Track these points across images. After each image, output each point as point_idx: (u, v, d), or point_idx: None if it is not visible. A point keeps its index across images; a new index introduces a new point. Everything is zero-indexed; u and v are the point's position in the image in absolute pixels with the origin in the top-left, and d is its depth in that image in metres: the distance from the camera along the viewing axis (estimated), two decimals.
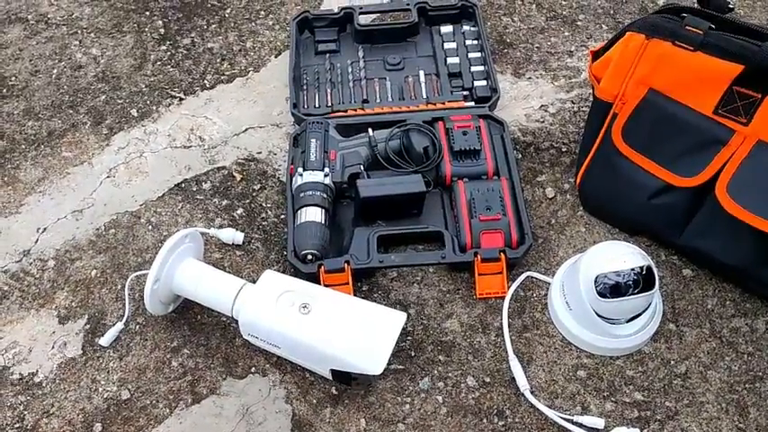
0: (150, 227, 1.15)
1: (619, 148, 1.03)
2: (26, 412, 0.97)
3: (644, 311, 0.98)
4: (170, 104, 1.31)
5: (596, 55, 1.05)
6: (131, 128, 1.28)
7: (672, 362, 0.99)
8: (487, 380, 0.98)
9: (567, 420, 0.93)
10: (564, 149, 1.22)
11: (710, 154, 0.95)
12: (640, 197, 1.03)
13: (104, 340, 1.02)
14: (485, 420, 0.95)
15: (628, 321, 0.98)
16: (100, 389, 0.99)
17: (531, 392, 0.96)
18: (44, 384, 1.00)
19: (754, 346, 1.00)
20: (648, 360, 1.00)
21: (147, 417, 0.97)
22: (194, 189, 1.20)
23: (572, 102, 1.29)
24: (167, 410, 0.97)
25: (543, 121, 1.26)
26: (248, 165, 1.22)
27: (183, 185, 1.20)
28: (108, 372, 1.00)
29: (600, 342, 0.99)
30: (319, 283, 1.02)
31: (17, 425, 0.96)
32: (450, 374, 0.99)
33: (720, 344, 1.01)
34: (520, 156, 1.21)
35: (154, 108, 1.30)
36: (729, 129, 0.94)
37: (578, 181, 1.13)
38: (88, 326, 1.05)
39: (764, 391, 0.97)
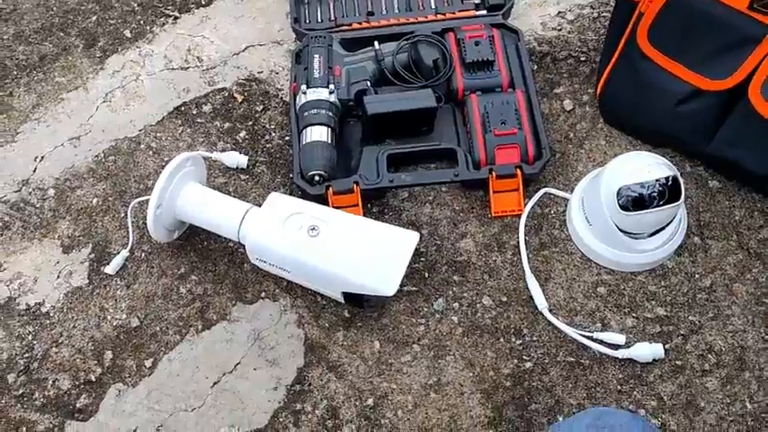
0: (151, 152, 1.11)
1: (644, 50, 0.96)
2: (35, 342, 0.96)
3: (668, 225, 0.93)
4: (164, 24, 1.24)
5: None
6: (125, 50, 1.22)
7: (696, 276, 0.96)
8: (504, 299, 0.95)
9: (587, 337, 0.91)
10: (583, 59, 1.15)
11: (744, 53, 0.88)
12: (667, 104, 0.97)
13: (110, 268, 1.00)
14: (502, 339, 0.93)
15: (651, 235, 0.94)
16: (108, 317, 0.97)
17: (550, 310, 0.93)
18: (52, 314, 0.98)
19: None
20: (671, 275, 0.96)
21: (158, 343, 0.95)
22: (194, 112, 1.14)
23: (591, 7, 1.20)
24: (178, 337, 0.95)
25: (561, 29, 1.18)
26: (249, 85, 1.17)
27: (183, 109, 1.15)
28: (116, 300, 0.99)
29: (621, 258, 0.95)
30: (328, 205, 0.98)
31: (27, 354, 0.95)
32: (465, 295, 0.96)
33: (748, 256, 0.97)
34: (536, 67, 1.14)
35: (148, 28, 1.24)
36: (765, 25, 0.86)
37: (599, 90, 1.07)
38: (93, 254, 1.02)
39: None
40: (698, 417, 0.86)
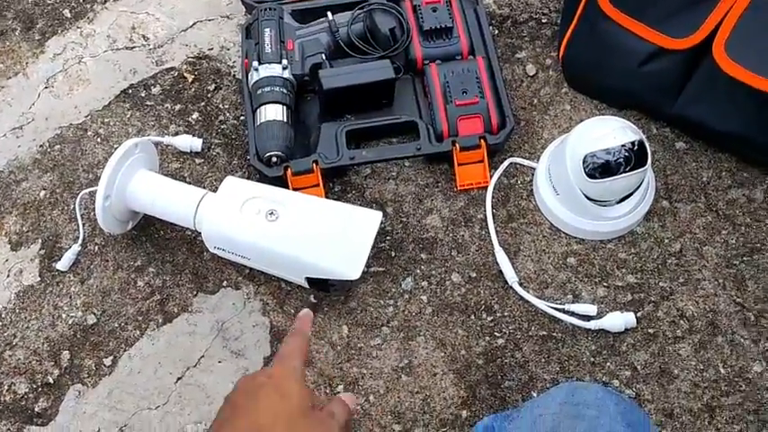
0: (99, 139, 1.05)
1: (605, 10, 0.93)
2: None
3: (636, 190, 0.91)
4: (106, 1, 1.17)
5: None
6: (66, 31, 1.15)
7: (666, 240, 0.94)
8: (473, 275, 0.93)
9: (559, 310, 0.89)
10: (544, 20, 1.11)
11: (706, 9, 0.86)
12: (630, 65, 0.94)
13: (62, 264, 0.95)
14: (473, 317, 0.90)
15: (619, 202, 0.92)
16: (63, 315, 0.93)
17: (520, 284, 0.91)
18: (3, 315, 0.93)
19: (751, 217, 0.95)
20: (641, 241, 0.94)
21: (117, 340, 0.91)
22: (143, 95, 1.09)
23: None
24: (138, 332, 0.92)
25: None
26: (200, 63, 1.11)
27: (130, 91, 1.09)
28: (70, 297, 0.94)
29: (590, 226, 0.93)
30: (288, 187, 0.95)
31: None
32: (433, 272, 0.93)
33: (716, 217, 0.95)
34: (496, 31, 1.10)
35: (88, 6, 1.17)
36: None
37: (561, 53, 1.04)
38: (43, 251, 0.97)
39: (763, 262, 0.92)
40: (672, 385, 0.86)
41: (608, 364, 0.87)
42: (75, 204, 0.98)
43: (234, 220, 0.87)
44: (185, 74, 1.10)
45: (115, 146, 1.04)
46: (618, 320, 0.87)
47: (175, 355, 0.90)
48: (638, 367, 0.87)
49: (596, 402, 0.66)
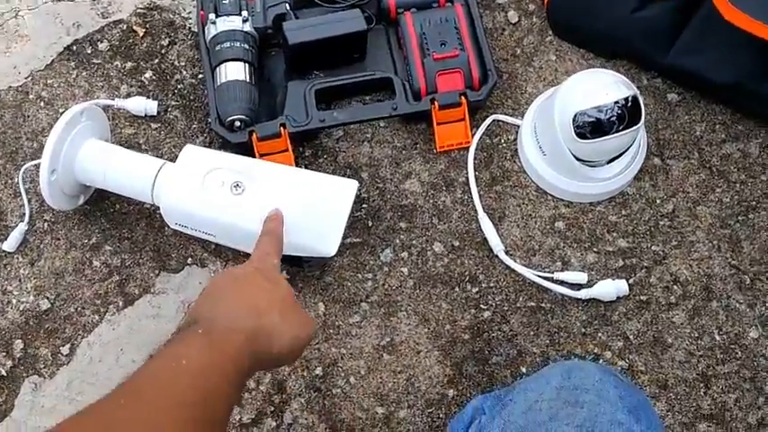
0: (42, 103, 0.96)
1: None
2: None
3: (628, 149, 0.85)
4: None
5: None
6: None
7: (658, 201, 0.89)
8: (456, 244, 0.87)
9: (547, 279, 0.84)
10: None
11: None
12: (621, 11, 0.88)
13: (8, 245, 0.87)
14: (457, 289, 0.85)
15: (609, 162, 0.86)
16: (13, 301, 0.86)
17: (506, 252, 0.86)
18: None
19: (746, 173, 0.91)
20: (632, 202, 0.89)
21: (74, 326, 0.85)
22: (89, 51, 0.99)
23: None
24: (96, 317, 0.85)
25: None
26: (151, 15, 1.01)
27: (75, 48, 0.99)
28: (20, 280, 0.87)
29: (578, 188, 0.87)
30: (253, 154, 0.87)
31: None
32: (414, 242, 0.87)
33: (710, 174, 0.91)
34: None
35: None
36: None
37: None
38: None
39: (758, 221, 0.88)
40: (666, 354, 0.82)
41: (599, 334, 0.83)
42: (18, 178, 0.89)
43: (195, 194, 0.80)
44: (135, 27, 1.00)
45: (61, 110, 0.95)
46: (609, 288, 0.83)
47: (138, 340, 0.84)
48: (631, 337, 0.83)
49: (595, 386, 0.62)
